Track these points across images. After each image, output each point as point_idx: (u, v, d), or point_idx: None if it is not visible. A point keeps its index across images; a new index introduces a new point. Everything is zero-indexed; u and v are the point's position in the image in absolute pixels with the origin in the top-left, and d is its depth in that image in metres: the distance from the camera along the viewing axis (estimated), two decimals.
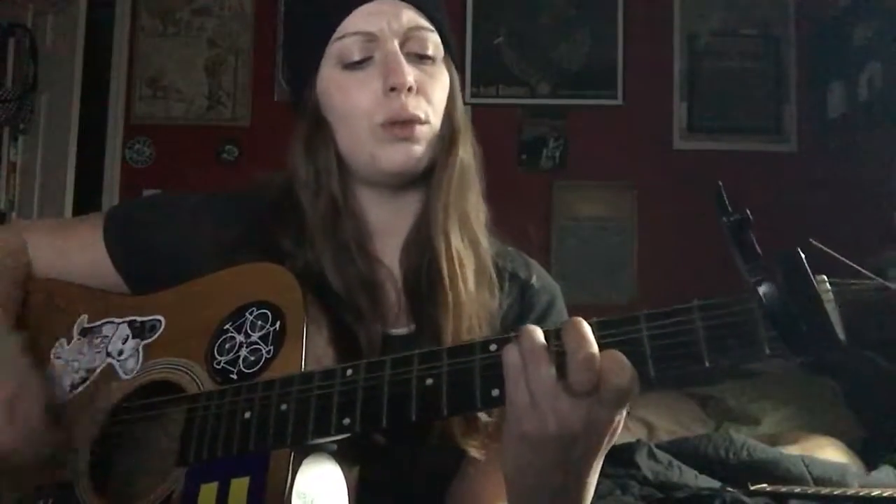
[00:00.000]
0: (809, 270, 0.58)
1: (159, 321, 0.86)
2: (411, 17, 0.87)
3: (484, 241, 0.92)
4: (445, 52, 0.90)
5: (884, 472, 2.08)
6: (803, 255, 0.59)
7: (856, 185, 3.09)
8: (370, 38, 0.86)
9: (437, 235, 0.88)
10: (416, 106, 0.86)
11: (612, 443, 0.67)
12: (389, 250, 0.93)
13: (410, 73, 0.85)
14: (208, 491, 0.71)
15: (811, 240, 0.63)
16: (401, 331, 0.90)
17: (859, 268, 0.59)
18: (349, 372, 0.70)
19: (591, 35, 3.56)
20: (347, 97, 0.87)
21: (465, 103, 0.96)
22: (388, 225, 0.93)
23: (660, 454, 2.09)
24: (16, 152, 3.62)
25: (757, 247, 0.60)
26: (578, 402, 0.62)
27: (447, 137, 0.89)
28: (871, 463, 2.20)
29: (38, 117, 3.59)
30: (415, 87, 0.85)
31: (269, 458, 0.70)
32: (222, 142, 3.59)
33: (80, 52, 3.55)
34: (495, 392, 0.64)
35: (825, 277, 0.59)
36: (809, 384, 2.72)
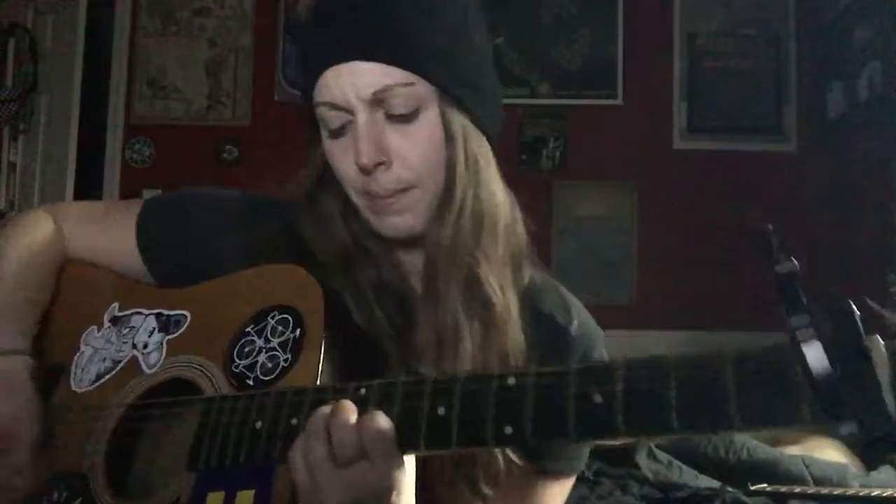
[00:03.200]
0: (861, 328, 0.51)
1: (185, 316, 0.86)
2: (379, 77, 0.78)
3: (501, 295, 0.84)
4: (440, 94, 0.81)
5: (884, 472, 2.08)
6: (856, 312, 0.52)
7: (856, 184, 3.09)
8: (340, 108, 0.80)
9: (432, 304, 0.83)
10: (390, 179, 0.80)
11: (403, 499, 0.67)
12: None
13: (372, 152, 0.79)
14: (214, 500, 0.71)
15: (867, 299, 0.57)
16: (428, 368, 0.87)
17: None
18: (362, 391, 0.68)
19: (591, 35, 3.56)
20: (336, 164, 0.84)
21: None
22: (414, 265, 0.89)
23: (660, 454, 2.09)
24: (16, 152, 3.62)
25: (804, 301, 0.53)
26: (345, 471, 0.64)
27: (444, 191, 0.83)
28: (871, 463, 2.20)
29: (38, 117, 3.59)
30: (388, 159, 0.80)
31: (276, 472, 0.70)
32: (222, 142, 3.59)
33: (80, 52, 3.55)
34: (508, 429, 0.61)
35: (879, 338, 0.52)
36: None
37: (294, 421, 0.69)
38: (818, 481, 1.97)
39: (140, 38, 3.66)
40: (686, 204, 3.41)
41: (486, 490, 0.82)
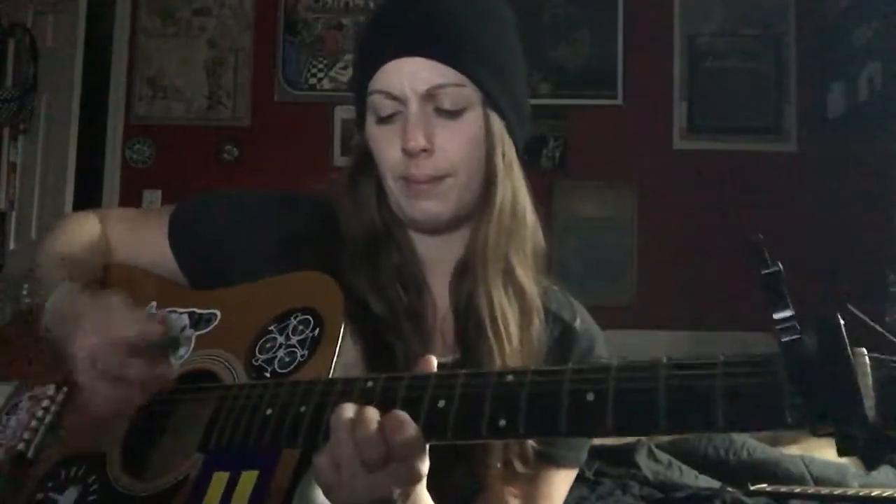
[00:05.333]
0: (846, 337, 0.54)
1: (215, 315, 0.92)
2: (434, 74, 0.87)
3: (531, 285, 0.93)
4: (485, 99, 0.89)
5: (884, 472, 2.08)
6: (842, 321, 0.55)
7: (856, 184, 3.09)
8: (395, 97, 0.88)
9: (478, 290, 0.90)
10: (429, 166, 0.88)
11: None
12: (439, 281, 0.96)
13: (420, 137, 0.86)
14: (219, 479, 0.73)
15: (850, 307, 0.60)
16: (445, 359, 0.91)
17: None
18: (369, 383, 0.71)
19: (591, 35, 3.56)
20: (379, 150, 0.91)
21: None
22: (436, 258, 0.96)
23: (660, 454, 2.09)
24: (16, 152, 3.62)
25: (787, 299, 0.56)
26: (373, 473, 0.66)
27: (483, 186, 0.91)
28: (871, 463, 2.20)
29: (38, 117, 3.59)
30: (431, 148, 0.87)
31: (280, 456, 0.73)
32: (222, 142, 3.59)
33: (80, 52, 3.55)
34: (502, 422, 0.63)
35: (865, 350, 0.55)
36: None
37: (303, 409, 0.72)
38: (818, 481, 1.97)
39: (140, 38, 3.66)
40: (686, 204, 3.41)
41: (520, 468, 0.88)
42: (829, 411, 0.53)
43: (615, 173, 3.50)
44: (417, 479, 0.68)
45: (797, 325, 0.55)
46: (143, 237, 1.04)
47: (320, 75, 3.58)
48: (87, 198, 3.57)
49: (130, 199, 3.59)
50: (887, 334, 0.56)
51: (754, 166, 3.42)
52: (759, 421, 0.56)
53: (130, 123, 3.64)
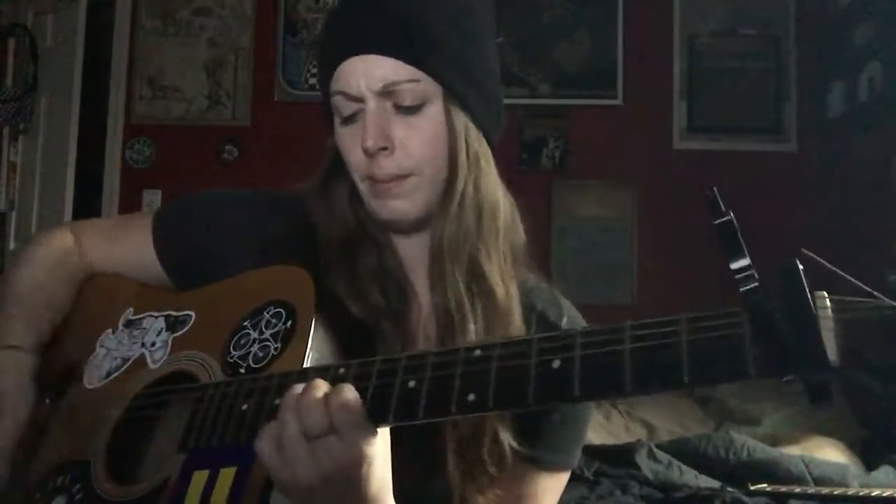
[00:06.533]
0: (806, 283, 0.53)
1: (190, 316, 0.92)
2: (387, 71, 0.84)
3: (502, 287, 0.88)
4: (445, 92, 0.86)
5: (884, 472, 2.09)
6: (801, 267, 0.54)
7: (856, 185, 3.09)
8: (353, 97, 0.86)
9: (436, 285, 0.88)
10: (391, 164, 0.86)
11: (375, 479, 0.68)
12: (422, 281, 0.93)
13: (377, 136, 0.84)
14: (199, 478, 0.73)
15: (804, 250, 0.59)
16: None
17: (863, 286, 0.54)
18: (341, 370, 0.71)
19: (591, 35, 3.56)
20: (345, 151, 0.89)
21: None
22: (416, 259, 0.93)
23: (660, 454, 2.09)
24: (16, 152, 3.62)
25: (746, 252, 0.55)
26: (314, 446, 0.65)
27: (446, 181, 0.88)
28: (871, 463, 2.20)
29: (38, 117, 3.59)
30: (391, 146, 0.85)
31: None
32: (222, 142, 3.59)
33: (80, 52, 3.55)
34: (471, 397, 0.63)
35: (826, 294, 0.54)
36: None
37: (277, 402, 0.72)
38: (818, 481, 1.97)
39: (140, 38, 3.66)
40: (686, 204, 3.40)
41: (492, 470, 0.84)
42: (791, 358, 0.52)
43: (615, 173, 3.50)
44: (357, 459, 0.66)
45: (755, 274, 0.55)
46: (123, 245, 1.03)
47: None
48: (87, 198, 3.57)
49: (130, 199, 3.59)
50: (846, 275, 0.55)
51: (754, 166, 3.42)
52: (722, 374, 0.55)
53: (130, 123, 3.64)
